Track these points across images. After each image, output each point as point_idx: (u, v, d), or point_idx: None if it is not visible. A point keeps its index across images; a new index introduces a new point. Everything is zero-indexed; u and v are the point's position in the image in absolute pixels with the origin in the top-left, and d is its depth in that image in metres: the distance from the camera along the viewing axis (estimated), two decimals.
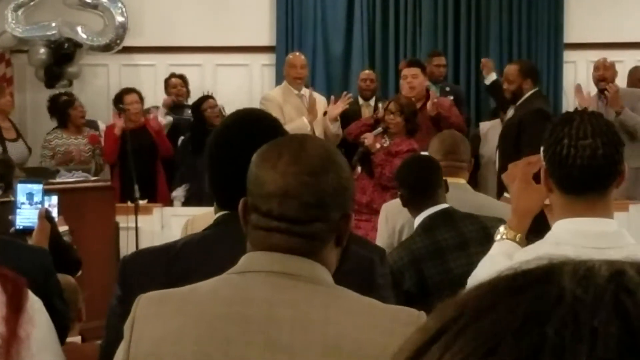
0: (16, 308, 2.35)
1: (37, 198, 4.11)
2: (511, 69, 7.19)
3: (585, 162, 2.10)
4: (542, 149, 2.17)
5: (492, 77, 8.41)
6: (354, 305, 1.75)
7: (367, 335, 1.69)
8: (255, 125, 2.25)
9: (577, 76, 9.65)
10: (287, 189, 1.73)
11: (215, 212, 2.31)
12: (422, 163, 4.01)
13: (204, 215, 3.34)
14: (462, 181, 4.31)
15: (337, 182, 1.76)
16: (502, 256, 2.45)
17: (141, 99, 8.59)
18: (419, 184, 3.85)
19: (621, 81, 8.45)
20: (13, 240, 3.47)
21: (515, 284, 0.63)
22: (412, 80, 7.57)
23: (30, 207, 4.08)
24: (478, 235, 3.73)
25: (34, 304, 2.42)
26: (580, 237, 2.16)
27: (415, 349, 0.63)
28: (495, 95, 8.28)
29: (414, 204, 3.88)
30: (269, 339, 1.70)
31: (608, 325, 0.56)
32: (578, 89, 7.73)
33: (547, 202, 2.42)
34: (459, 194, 4.13)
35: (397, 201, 4.60)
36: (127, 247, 7.24)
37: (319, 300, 1.74)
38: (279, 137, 1.89)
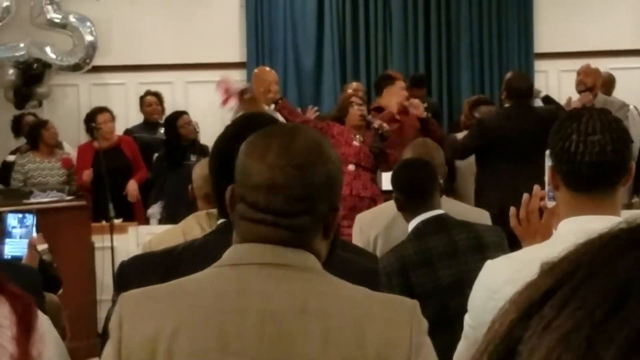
0: (27, 327, 2.33)
1: (27, 228, 4.08)
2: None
3: (594, 158, 2.06)
4: (549, 145, 2.13)
5: (541, 94, 8.23)
6: (351, 294, 1.74)
7: (366, 323, 1.69)
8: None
9: (548, 85, 9.67)
10: (273, 181, 1.71)
11: (217, 220, 2.28)
12: (418, 166, 3.92)
13: (165, 233, 3.27)
14: None
15: (326, 176, 1.74)
16: None
17: (113, 117, 8.49)
18: (414, 187, 3.78)
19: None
20: (9, 260, 3.46)
21: (637, 235, 0.59)
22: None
23: (20, 237, 4.04)
24: (470, 244, 3.69)
25: (44, 322, 2.40)
26: (586, 235, 2.11)
27: (524, 308, 0.58)
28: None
29: (408, 208, 3.80)
30: (267, 331, 1.67)
31: None
32: (568, 102, 7.61)
33: (549, 205, 2.37)
34: None
35: (370, 211, 4.58)
36: (102, 267, 7.14)
37: (316, 289, 1.72)
38: (270, 126, 1.86)
